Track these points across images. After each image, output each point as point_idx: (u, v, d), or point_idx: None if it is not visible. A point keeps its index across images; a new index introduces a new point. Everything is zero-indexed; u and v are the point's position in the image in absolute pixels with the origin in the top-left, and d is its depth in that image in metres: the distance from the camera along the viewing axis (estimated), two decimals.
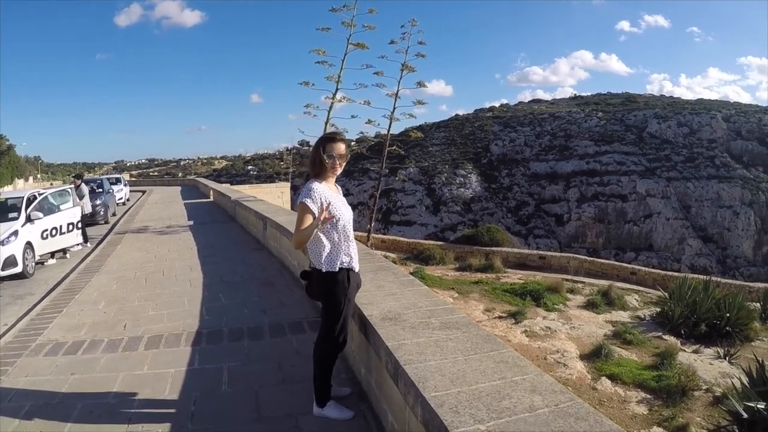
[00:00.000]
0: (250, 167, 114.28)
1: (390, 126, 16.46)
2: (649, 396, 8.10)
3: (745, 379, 7.17)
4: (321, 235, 3.46)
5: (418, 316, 3.64)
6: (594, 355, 9.60)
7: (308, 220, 3.36)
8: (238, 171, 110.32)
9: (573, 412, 2.28)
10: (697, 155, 74.03)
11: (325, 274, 3.46)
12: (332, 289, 3.46)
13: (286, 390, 4.15)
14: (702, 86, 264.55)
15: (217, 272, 8.90)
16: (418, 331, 3.34)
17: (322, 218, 3.32)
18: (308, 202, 3.37)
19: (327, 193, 3.46)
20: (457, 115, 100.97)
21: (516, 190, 75.99)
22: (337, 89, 15.63)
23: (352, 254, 3.55)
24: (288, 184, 33.12)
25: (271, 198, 23.37)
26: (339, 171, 3.59)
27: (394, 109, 16.30)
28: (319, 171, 3.53)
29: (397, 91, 16.03)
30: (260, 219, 11.43)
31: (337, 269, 3.45)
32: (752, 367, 7.31)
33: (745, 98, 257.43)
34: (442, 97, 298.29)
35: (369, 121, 16.65)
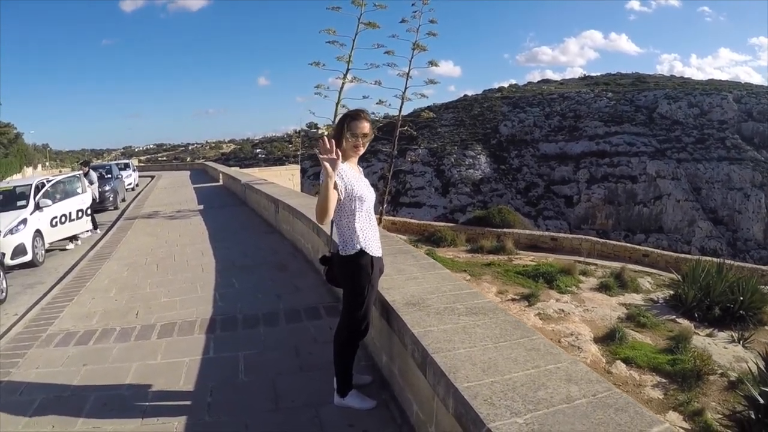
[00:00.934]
0: (258, 150, 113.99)
1: (402, 106, 16.24)
2: (664, 380, 8.01)
3: (761, 364, 7.09)
4: (344, 217, 3.31)
5: (442, 302, 3.49)
6: (608, 338, 9.52)
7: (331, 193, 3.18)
8: (246, 154, 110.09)
9: (612, 402, 2.17)
10: (708, 136, 73.27)
11: (348, 259, 3.30)
12: (355, 274, 3.30)
13: (305, 378, 4.04)
14: (713, 66, 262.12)
15: (229, 257, 8.77)
16: (444, 317, 3.20)
17: (332, 152, 3.01)
18: (339, 182, 3.19)
19: (350, 172, 3.31)
20: (465, 95, 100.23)
21: (525, 171, 75.53)
22: (348, 69, 15.41)
23: (375, 238, 3.39)
24: (298, 167, 32.98)
25: (282, 181, 23.23)
26: (362, 151, 3.41)
27: (406, 88, 16.07)
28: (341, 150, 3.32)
29: (409, 71, 15.79)
30: (272, 202, 11.30)
31: (361, 254, 3.29)
32: None
33: (756, 79, 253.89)
34: (451, 78, 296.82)
35: (380, 102, 16.39)
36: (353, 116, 3.37)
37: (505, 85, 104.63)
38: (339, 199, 3.21)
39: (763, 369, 6.82)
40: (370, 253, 3.32)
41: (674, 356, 8.65)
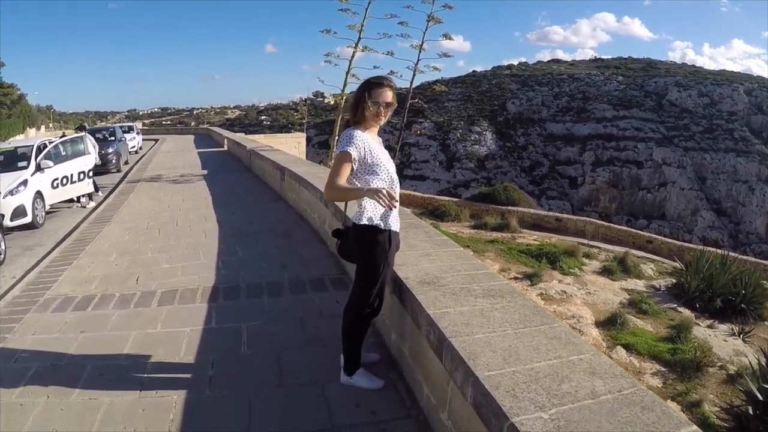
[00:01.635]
0: (263, 117, 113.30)
1: (413, 78, 16.07)
2: (663, 369, 8.01)
3: (762, 360, 7.05)
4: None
5: (458, 281, 3.33)
6: (609, 323, 9.52)
7: (347, 170, 3.01)
8: (251, 121, 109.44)
9: (638, 400, 2.03)
10: (716, 127, 72.66)
11: (365, 234, 3.12)
12: (371, 249, 3.13)
13: (310, 353, 3.90)
14: (725, 57, 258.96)
15: (233, 223, 8.61)
16: (460, 299, 3.04)
17: (386, 197, 2.84)
18: (351, 150, 3.00)
19: (371, 142, 3.10)
20: (474, 71, 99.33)
21: (531, 150, 75.04)
22: (359, 38, 15.16)
23: (394, 213, 3.19)
24: (304, 135, 32.71)
25: (288, 148, 23.04)
26: (383, 121, 3.18)
27: (418, 60, 15.83)
28: (360, 119, 3.13)
29: (422, 43, 15.56)
30: (277, 169, 11.10)
31: (378, 229, 3.11)
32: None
33: None
34: (460, 53, 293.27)
35: (391, 73, 16.21)
36: (376, 83, 3.14)
37: (515, 62, 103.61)
38: (352, 169, 3.05)
39: (764, 365, 6.78)
40: (388, 228, 3.15)
41: (675, 345, 8.67)
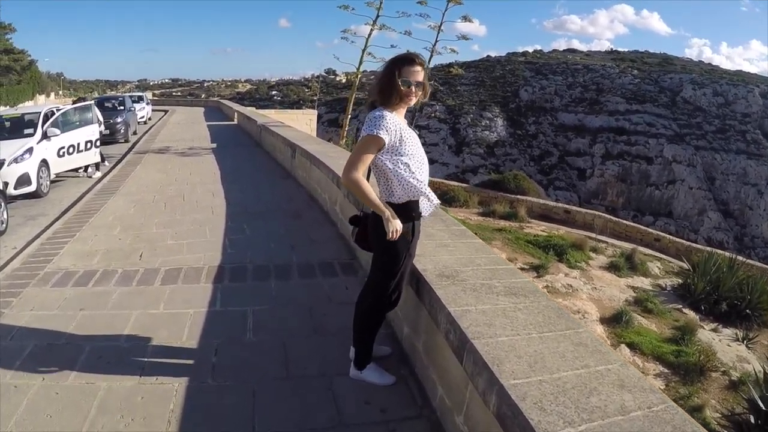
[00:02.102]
0: (274, 92, 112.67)
1: (430, 59, 15.78)
2: (666, 370, 7.95)
3: (767, 368, 6.99)
4: (390, 173, 2.85)
5: (478, 276, 3.15)
6: (614, 320, 9.46)
7: (371, 155, 2.78)
8: (262, 95, 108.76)
9: (669, 418, 1.90)
10: (729, 127, 71.84)
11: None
12: (392, 241, 2.87)
13: (318, 343, 3.73)
14: (743, 57, 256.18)
15: (241, 200, 8.41)
16: (482, 296, 2.87)
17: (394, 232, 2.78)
18: (382, 134, 2.74)
19: (401, 124, 2.84)
20: (488, 56, 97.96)
21: (541, 139, 74.50)
22: (378, 16, 14.88)
23: (426, 196, 2.95)
24: (315, 112, 32.40)
25: (299, 125, 22.73)
26: (413, 101, 2.92)
27: (436, 42, 15.56)
28: (388, 99, 2.83)
29: (441, 23, 15.26)
30: (288, 146, 10.87)
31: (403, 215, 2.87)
32: None
33: None
34: (476, 37, 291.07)
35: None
36: (406, 60, 2.86)
37: (530, 50, 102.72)
38: (380, 150, 2.82)
39: None
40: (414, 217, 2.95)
41: (679, 347, 8.65)
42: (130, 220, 7.34)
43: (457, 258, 3.48)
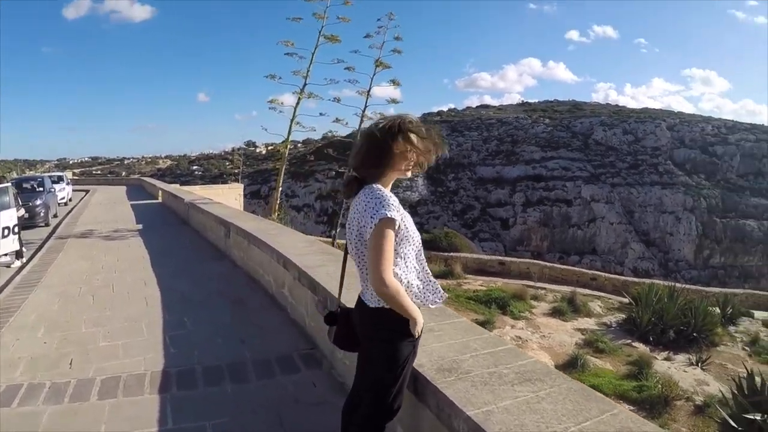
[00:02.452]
0: (195, 167, 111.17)
1: (361, 124, 15.88)
2: (632, 407, 7.94)
3: (733, 388, 7.12)
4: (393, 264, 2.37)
5: (481, 364, 2.82)
6: (570, 366, 9.44)
7: (393, 244, 2.32)
8: (183, 171, 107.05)
9: None
10: (641, 162, 76.40)
11: (390, 319, 2.40)
12: (396, 341, 2.41)
13: None
14: (646, 96, 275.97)
15: (176, 287, 7.75)
16: (496, 389, 2.53)
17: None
18: (395, 214, 2.29)
19: (399, 204, 2.39)
20: None
21: (462, 194, 76.56)
22: (305, 84, 14.95)
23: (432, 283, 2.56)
24: (242, 186, 31.96)
25: (227, 200, 22.26)
26: (410, 174, 2.53)
27: (366, 107, 15.75)
28: (382, 170, 2.42)
29: (369, 89, 15.51)
30: (222, 224, 10.41)
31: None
32: (740, 378, 7.29)
33: (688, 108, 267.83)
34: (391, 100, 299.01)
35: (337, 120, 16.07)
36: (422, 129, 2.44)
37: (444, 109, 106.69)
38: None
39: (737, 393, 6.83)
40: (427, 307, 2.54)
41: (639, 382, 8.74)
42: (55, 319, 6.48)
43: (450, 345, 3.14)
